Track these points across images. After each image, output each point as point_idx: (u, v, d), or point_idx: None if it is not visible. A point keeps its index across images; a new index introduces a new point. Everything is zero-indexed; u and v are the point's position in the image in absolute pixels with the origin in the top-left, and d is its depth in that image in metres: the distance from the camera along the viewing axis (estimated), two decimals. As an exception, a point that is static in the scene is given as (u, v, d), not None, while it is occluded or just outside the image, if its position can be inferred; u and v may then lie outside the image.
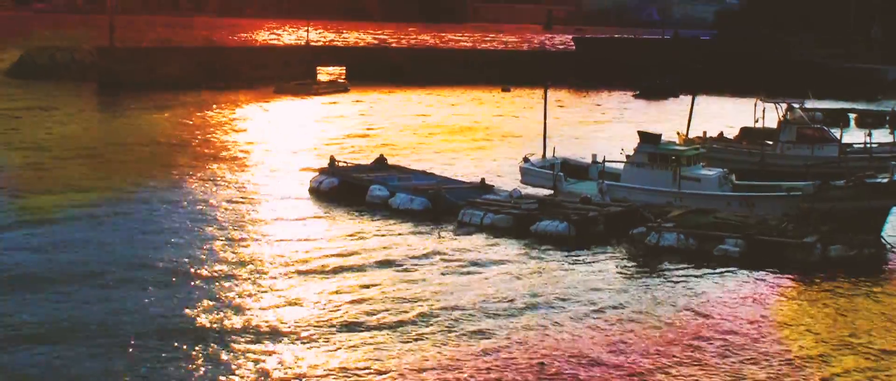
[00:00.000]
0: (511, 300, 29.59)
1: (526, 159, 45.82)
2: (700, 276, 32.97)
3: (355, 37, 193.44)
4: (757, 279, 32.67)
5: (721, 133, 58.43)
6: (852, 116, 79.70)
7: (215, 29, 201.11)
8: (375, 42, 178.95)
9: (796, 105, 54.77)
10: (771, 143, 54.60)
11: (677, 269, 33.67)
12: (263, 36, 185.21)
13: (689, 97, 53.82)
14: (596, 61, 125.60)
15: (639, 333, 27.06)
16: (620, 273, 33.35)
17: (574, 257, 34.75)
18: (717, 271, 33.50)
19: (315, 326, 26.88)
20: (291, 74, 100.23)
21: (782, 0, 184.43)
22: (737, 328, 27.68)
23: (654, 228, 36.37)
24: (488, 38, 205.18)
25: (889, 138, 58.97)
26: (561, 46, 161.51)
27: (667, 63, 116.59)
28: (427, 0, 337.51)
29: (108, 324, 26.64)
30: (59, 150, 55.00)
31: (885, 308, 30.27)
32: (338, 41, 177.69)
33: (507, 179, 47.33)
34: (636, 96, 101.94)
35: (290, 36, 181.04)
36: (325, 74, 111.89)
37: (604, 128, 73.72)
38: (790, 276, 33.19)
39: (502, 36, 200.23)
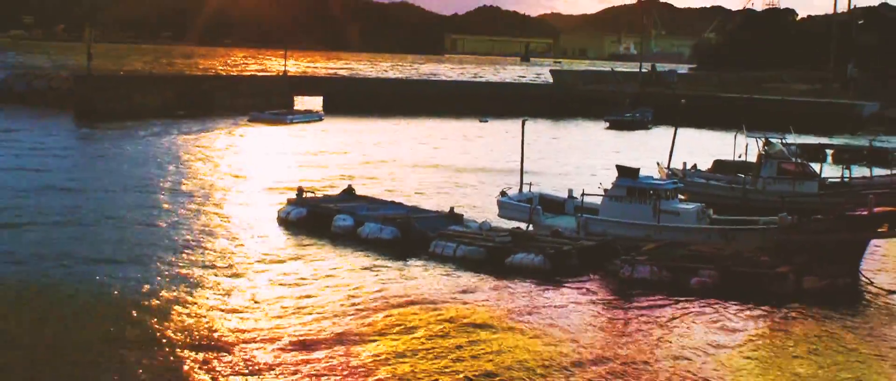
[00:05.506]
0: (489, 332, 28.75)
1: (503, 193, 45.16)
2: (673, 307, 32.26)
3: (334, 67, 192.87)
4: (730, 311, 31.98)
5: (694, 165, 58.16)
6: (829, 151, 79.81)
7: (195, 58, 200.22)
8: (354, 72, 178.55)
9: (775, 139, 54.50)
10: (744, 176, 54.33)
11: (650, 301, 32.99)
12: (243, 65, 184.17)
13: (660, 129, 53.57)
14: (572, 93, 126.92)
15: (611, 368, 26.28)
16: (596, 305, 32.58)
17: (550, 290, 33.95)
18: (691, 302, 32.84)
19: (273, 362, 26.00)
20: (268, 103, 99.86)
21: (760, 37, 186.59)
22: (709, 363, 26.96)
23: (628, 260, 35.70)
24: (467, 70, 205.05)
25: (866, 173, 58.94)
26: (538, 79, 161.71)
27: (644, 96, 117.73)
28: (407, 32, 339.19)
29: (62, 344, 26.04)
30: (27, 179, 54.01)
31: (857, 340, 29.63)
32: (317, 70, 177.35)
33: (482, 211, 46.61)
34: (607, 128, 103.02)
35: (271, 65, 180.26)
36: (302, 103, 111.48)
37: (580, 160, 73.29)
38: (764, 307, 32.55)
39: (481, 67, 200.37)
